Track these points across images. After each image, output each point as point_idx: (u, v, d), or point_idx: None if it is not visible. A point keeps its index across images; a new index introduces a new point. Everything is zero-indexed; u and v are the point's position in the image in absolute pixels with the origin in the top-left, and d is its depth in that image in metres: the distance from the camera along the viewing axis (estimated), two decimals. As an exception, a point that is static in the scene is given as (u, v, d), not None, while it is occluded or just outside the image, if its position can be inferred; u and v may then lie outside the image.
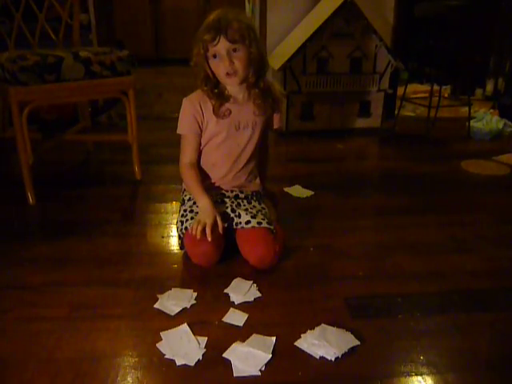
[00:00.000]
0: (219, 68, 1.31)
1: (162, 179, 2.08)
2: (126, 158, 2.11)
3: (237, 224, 1.39)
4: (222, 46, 1.27)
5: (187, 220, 1.39)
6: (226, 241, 1.38)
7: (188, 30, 5.48)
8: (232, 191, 1.46)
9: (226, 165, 1.44)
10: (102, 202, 1.85)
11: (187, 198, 1.46)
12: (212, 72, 1.33)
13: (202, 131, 1.40)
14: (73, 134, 2.30)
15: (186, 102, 1.40)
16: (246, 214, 1.39)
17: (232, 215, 1.40)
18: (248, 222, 1.37)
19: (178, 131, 1.42)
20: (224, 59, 1.28)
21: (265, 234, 1.35)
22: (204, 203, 1.35)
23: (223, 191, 1.45)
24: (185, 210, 1.43)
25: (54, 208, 1.79)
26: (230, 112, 1.38)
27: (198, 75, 1.35)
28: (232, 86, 1.37)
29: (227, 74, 1.30)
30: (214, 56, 1.29)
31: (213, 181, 1.46)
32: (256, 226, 1.36)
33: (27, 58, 1.66)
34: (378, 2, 2.81)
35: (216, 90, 1.36)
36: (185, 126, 1.40)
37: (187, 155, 1.43)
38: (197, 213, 1.39)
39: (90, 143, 2.45)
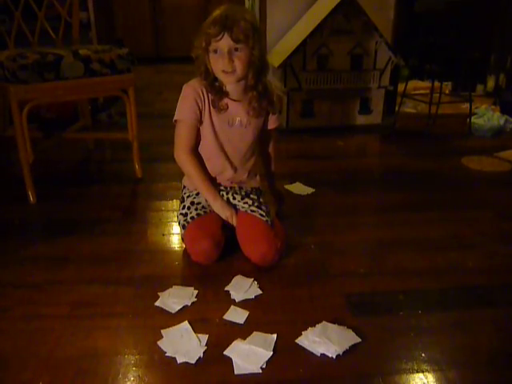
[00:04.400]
0: (217, 64, 1.30)
1: (162, 177, 2.08)
2: (126, 156, 2.11)
3: (234, 206, 1.43)
4: (224, 42, 1.26)
5: (191, 212, 1.40)
6: (226, 238, 1.38)
7: (188, 28, 5.47)
8: (231, 188, 1.46)
9: (219, 161, 1.43)
10: (103, 201, 1.84)
11: (186, 195, 1.46)
12: (211, 66, 1.33)
13: (201, 118, 1.37)
14: (73, 132, 2.30)
15: (187, 87, 1.38)
16: (242, 198, 1.43)
17: (227, 196, 1.44)
18: (243, 206, 1.41)
19: (177, 117, 1.38)
20: (224, 56, 1.27)
21: (265, 232, 1.35)
22: (218, 205, 1.40)
23: (222, 187, 1.46)
24: (184, 206, 1.43)
25: (55, 206, 1.79)
26: (228, 106, 1.38)
27: (198, 68, 1.34)
28: (227, 84, 1.36)
29: (224, 71, 1.30)
30: (215, 51, 1.28)
31: (212, 176, 1.45)
32: (249, 212, 1.40)
33: (27, 57, 1.66)
34: (378, -2, 2.80)
35: (216, 84, 1.35)
36: (185, 110, 1.36)
37: (185, 142, 1.39)
38: (199, 203, 1.42)
39: (90, 141, 2.45)
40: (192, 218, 1.39)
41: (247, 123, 1.41)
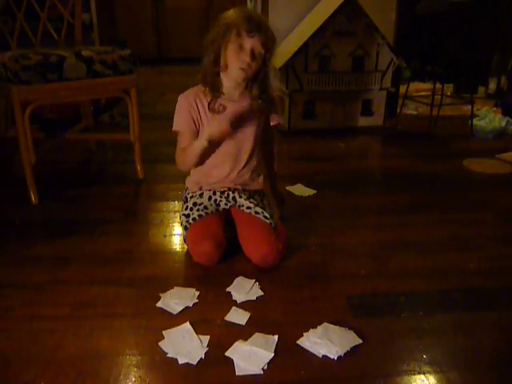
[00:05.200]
0: (236, 59, 1.29)
1: (164, 178, 2.08)
2: (128, 157, 2.12)
3: (239, 206, 1.43)
4: (254, 42, 1.28)
5: (193, 213, 1.40)
6: (228, 239, 1.38)
7: (190, 30, 5.48)
8: (234, 189, 1.46)
9: (226, 164, 1.44)
10: (105, 201, 1.85)
11: (190, 195, 1.47)
12: (226, 59, 1.32)
13: (197, 128, 1.40)
14: (75, 133, 2.30)
15: (181, 98, 1.40)
16: (247, 201, 1.42)
17: (232, 195, 1.43)
18: (249, 208, 1.41)
19: (174, 128, 1.41)
20: (247, 54, 1.29)
21: (267, 233, 1.35)
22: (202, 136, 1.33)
23: (225, 188, 1.46)
24: (187, 207, 1.44)
25: (57, 207, 1.79)
26: (225, 108, 1.38)
27: (208, 55, 1.33)
28: (231, 82, 1.36)
29: (241, 67, 1.30)
30: (240, 46, 1.29)
31: (215, 180, 1.46)
32: (253, 214, 1.39)
33: (29, 58, 1.66)
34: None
35: (217, 79, 1.36)
36: (180, 122, 1.40)
37: (183, 149, 1.42)
38: (201, 204, 1.42)
39: (92, 142, 2.45)
40: (194, 219, 1.39)
41: (248, 122, 1.41)
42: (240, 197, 1.44)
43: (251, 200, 1.43)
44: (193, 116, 1.38)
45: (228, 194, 1.44)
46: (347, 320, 1.13)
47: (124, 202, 1.86)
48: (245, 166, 1.46)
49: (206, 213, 1.41)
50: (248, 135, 1.43)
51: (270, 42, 1.30)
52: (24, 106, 1.69)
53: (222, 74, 1.36)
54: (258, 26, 1.27)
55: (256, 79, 1.36)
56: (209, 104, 1.37)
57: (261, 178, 1.52)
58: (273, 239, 1.34)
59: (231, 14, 1.30)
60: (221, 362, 1.00)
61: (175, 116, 1.41)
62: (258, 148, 1.48)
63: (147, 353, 1.03)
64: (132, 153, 2.05)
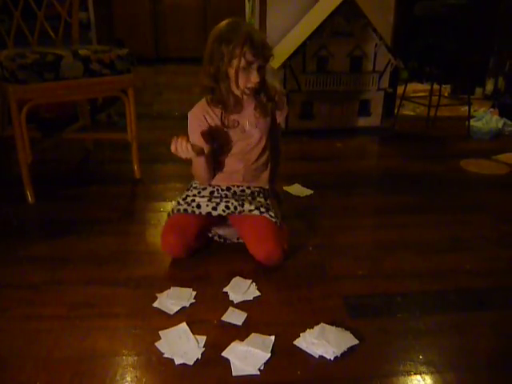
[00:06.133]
0: (247, 80, 1.30)
1: (161, 178, 2.08)
2: (125, 157, 2.11)
3: (240, 212, 1.41)
4: (259, 62, 1.30)
5: (183, 205, 1.41)
6: (226, 240, 1.38)
7: (188, 29, 5.48)
8: (239, 186, 1.46)
9: (239, 165, 1.45)
10: (102, 201, 1.84)
11: (194, 186, 1.48)
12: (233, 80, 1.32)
13: (213, 139, 1.40)
14: (72, 132, 2.30)
15: (190, 115, 1.41)
16: (250, 204, 1.41)
17: (235, 204, 1.41)
18: (251, 211, 1.39)
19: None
20: (255, 75, 1.30)
21: (273, 231, 1.35)
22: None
23: (230, 185, 1.46)
24: (186, 197, 1.44)
25: (53, 207, 1.78)
26: (238, 123, 1.40)
27: (212, 78, 1.32)
28: (235, 97, 1.37)
29: (250, 87, 1.32)
30: (244, 68, 1.29)
31: (225, 175, 1.46)
32: (257, 214, 1.38)
33: (26, 57, 1.66)
34: (378, 0, 2.81)
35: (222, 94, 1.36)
36: (194, 138, 1.38)
37: None
38: (200, 198, 1.43)
39: (89, 142, 2.45)
40: (178, 210, 1.40)
41: (256, 123, 1.42)
42: (242, 206, 1.41)
43: (257, 199, 1.43)
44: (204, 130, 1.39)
45: (235, 192, 1.45)
46: (344, 320, 1.13)
47: (121, 202, 1.86)
48: (254, 163, 1.46)
49: (193, 211, 1.40)
50: (261, 137, 1.44)
51: (269, 56, 1.32)
52: (21, 105, 1.68)
53: (228, 91, 1.35)
54: (261, 46, 1.28)
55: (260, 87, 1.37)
56: (222, 121, 1.38)
57: (265, 174, 1.51)
58: (278, 237, 1.34)
59: (231, 33, 1.27)
60: (217, 362, 1.00)
61: (189, 133, 1.41)
62: (268, 145, 1.49)
63: (144, 353, 1.03)
64: (129, 152, 2.05)
